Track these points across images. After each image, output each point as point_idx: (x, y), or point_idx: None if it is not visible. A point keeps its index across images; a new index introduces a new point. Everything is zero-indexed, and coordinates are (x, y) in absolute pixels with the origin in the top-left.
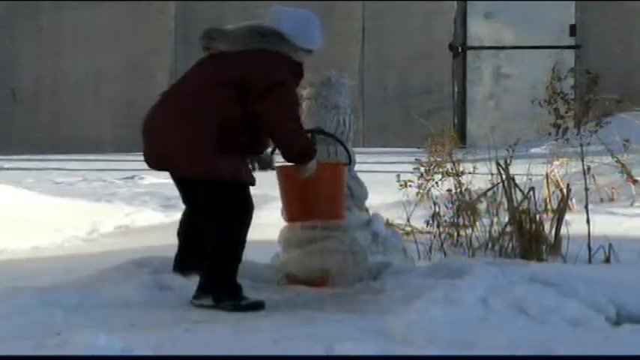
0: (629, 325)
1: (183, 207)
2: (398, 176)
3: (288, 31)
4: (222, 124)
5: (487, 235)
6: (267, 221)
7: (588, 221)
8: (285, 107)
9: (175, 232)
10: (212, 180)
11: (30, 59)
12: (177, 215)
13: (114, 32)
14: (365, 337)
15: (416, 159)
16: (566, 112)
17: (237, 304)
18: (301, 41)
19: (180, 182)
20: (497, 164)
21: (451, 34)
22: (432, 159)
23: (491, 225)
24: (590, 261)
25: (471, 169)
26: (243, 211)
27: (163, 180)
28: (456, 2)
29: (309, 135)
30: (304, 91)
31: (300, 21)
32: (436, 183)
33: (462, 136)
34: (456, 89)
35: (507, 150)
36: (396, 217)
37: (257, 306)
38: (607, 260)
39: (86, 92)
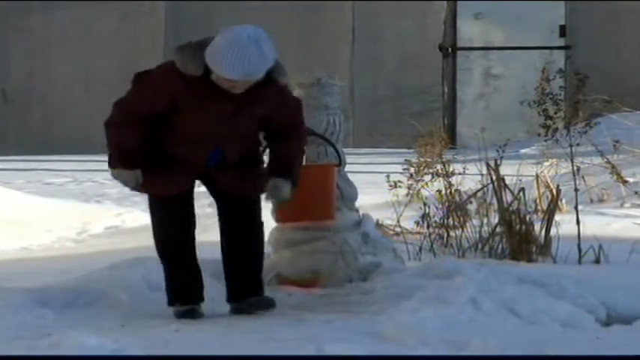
0: (619, 326)
1: None
2: (388, 177)
3: (207, 50)
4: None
5: (477, 235)
6: None
7: (578, 222)
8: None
9: None
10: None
11: (21, 60)
12: None
13: (104, 33)
14: (356, 338)
15: (405, 160)
16: (556, 113)
17: (174, 310)
18: (208, 60)
19: None
20: (487, 165)
21: (441, 35)
22: (421, 160)
23: (481, 226)
24: (580, 262)
25: (461, 170)
26: (157, 222)
27: None
28: (446, 3)
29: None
30: (294, 92)
31: (221, 42)
32: (426, 184)
33: (451, 137)
34: (445, 90)
35: (497, 151)
36: (386, 218)
37: (185, 314)
38: (597, 261)
39: (77, 93)
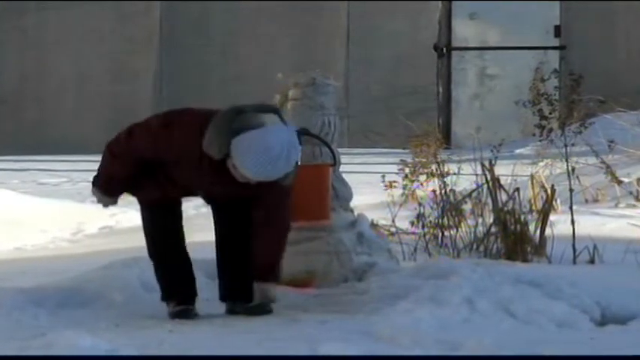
0: (614, 326)
1: None
2: (383, 177)
3: (237, 140)
4: None
5: (472, 235)
6: None
7: (573, 222)
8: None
9: None
10: None
11: (14, 60)
12: None
13: (98, 33)
14: (351, 338)
15: (401, 160)
16: (550, 113)
17: (169, 311)
18: (235, 152)
19: None
20: (482, 165)
21: (436, 35)
22: (416, 160)
23: (476, 226)
24: (574, 262)
25: (456, 170)
26: (147, 223)
27: None
28: (440, 3)
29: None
30: (290, 92)
31: (255, 144)
32: (421, 184)
33: (446, 137)
34: (440, 90)
35: (492, 151)
36: (381, 218)
37: (179, 314)
38: (592, 261)
39: (71, 93)
